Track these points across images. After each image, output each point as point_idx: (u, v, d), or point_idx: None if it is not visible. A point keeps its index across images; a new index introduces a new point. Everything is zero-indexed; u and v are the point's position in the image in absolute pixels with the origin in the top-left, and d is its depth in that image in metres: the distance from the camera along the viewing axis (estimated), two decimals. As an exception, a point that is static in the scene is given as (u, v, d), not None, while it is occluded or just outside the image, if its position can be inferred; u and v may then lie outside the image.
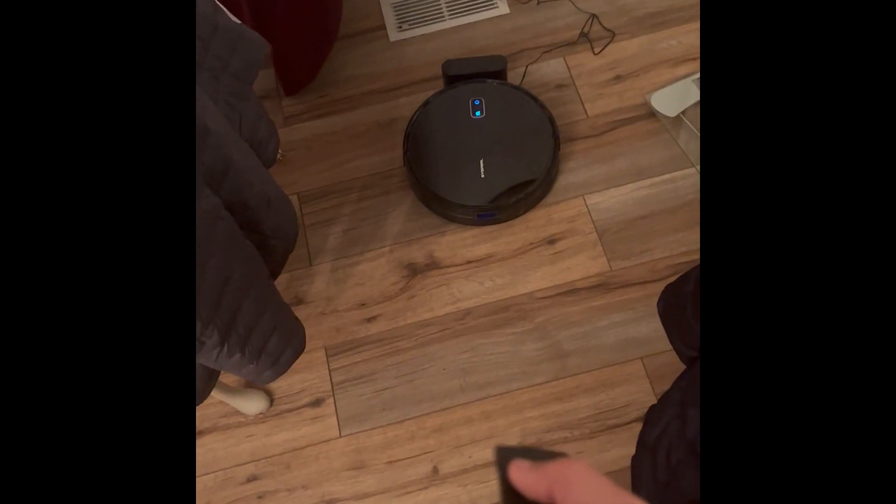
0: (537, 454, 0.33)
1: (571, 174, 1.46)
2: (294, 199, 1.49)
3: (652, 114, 1.50)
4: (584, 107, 1.53)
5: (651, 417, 0.81)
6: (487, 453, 1.23)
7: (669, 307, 0.88)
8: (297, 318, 1.04)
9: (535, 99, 1.44)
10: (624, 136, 1.49)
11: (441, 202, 1.39)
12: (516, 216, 1.42)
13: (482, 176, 1.38)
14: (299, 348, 1.03)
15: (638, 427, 0.87)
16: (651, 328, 1.30)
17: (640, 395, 1.25)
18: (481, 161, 1.39)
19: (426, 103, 1.47)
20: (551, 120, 1.43)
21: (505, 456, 0.33)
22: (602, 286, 1.35)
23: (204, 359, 0.87)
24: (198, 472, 1.26)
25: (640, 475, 0.80)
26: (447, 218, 1.43)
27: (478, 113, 1.44)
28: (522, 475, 0.31)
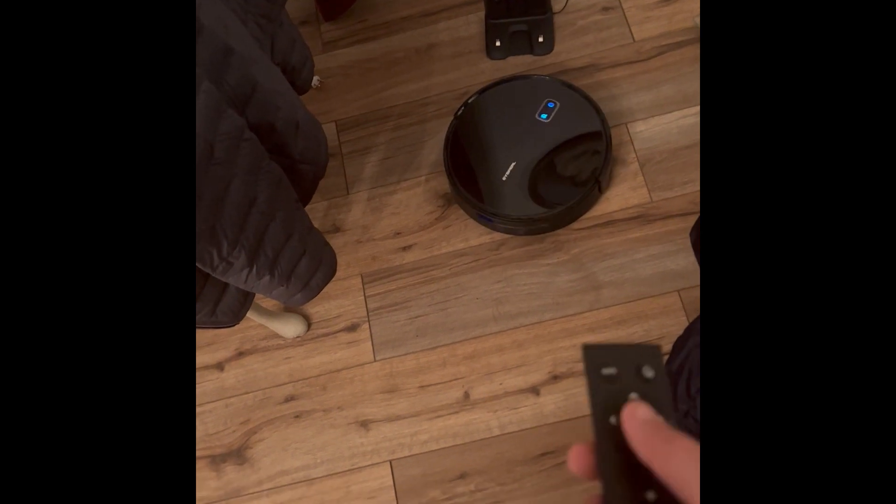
0: (626, 351, 0.34)
1: (614, 101, 1.41)
2: (331, 127, 1.48)
3: (702, 37, 1.42)
4: (630, 30, 1.46)
5: (675, 348, 0.80)
6: (518, 380, 1.25)
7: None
8: (327, 243, 1.05)
9: (598, 111, 1.32)
10: (671, 62, 1.42)
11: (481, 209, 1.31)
12: (558, 227, 1.34)
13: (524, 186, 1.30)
14: (330, 272, 1.05)
15: (667, 358, 0.86)
16: (689, 260, 1.27)
17: (676, 327, 1.24)
18: (529, 167, 1.30)
19: (481, 91, 1.38)
20: (608, 141, 1.30)
21: (594, 357, 0.34)
22: (641, 217, 1.32)
23: (233, 280, 0.89)
24: (239, 391, 1.31)
25: (661, 404, 0.79)
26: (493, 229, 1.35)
27: (544, 115, 1.33)
28: (635, 430, 0.31)
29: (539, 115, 1.33)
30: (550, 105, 1.34)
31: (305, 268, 0.98)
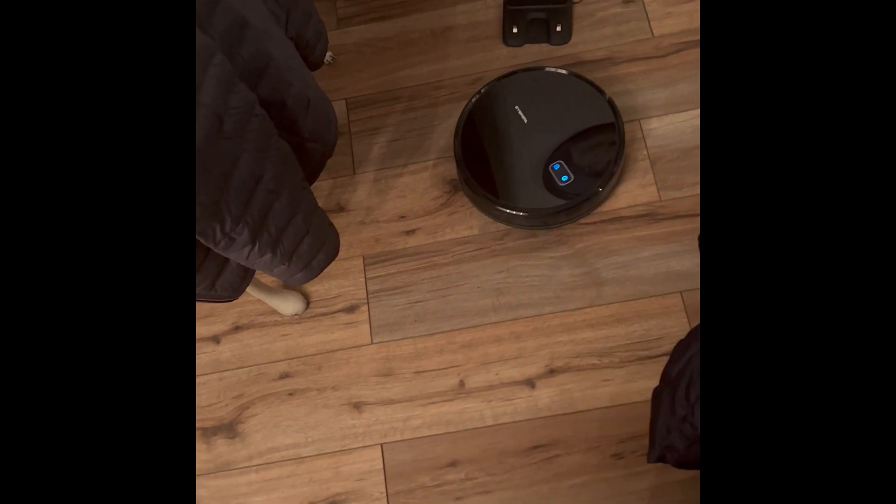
0: None
1: (629, 96, 1.39)
2: (341, 105, 1.47)
3: (723, 37, 1.40)
4: (650, 25, 1.44)
5: (677, 351, 0.79)
6: (514, 372, 1.24)
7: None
8: (331, 224, 1.04)
9: (612, 106, 1.29)
10: (690, 60, 1.40)
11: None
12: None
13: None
14: (332, 254, 1.04)
15: (665, 360, 0.85)
16: (694, 262, 1.26)
17: (676, 329, 1.23)
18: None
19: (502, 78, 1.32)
20: (621, 136, 1.27)
21: None
22: (649, 216, 1.31)
23: (235, 256, 0.88)
24: (233, 366, 1.31)
25: (659, 407, 0.79)
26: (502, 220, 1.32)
27: (556, 166, 1.27)
28: None
29: (552, 166, 1.27)
30: (564, 179, 1.26)
31: (308, 248, 0.97)
